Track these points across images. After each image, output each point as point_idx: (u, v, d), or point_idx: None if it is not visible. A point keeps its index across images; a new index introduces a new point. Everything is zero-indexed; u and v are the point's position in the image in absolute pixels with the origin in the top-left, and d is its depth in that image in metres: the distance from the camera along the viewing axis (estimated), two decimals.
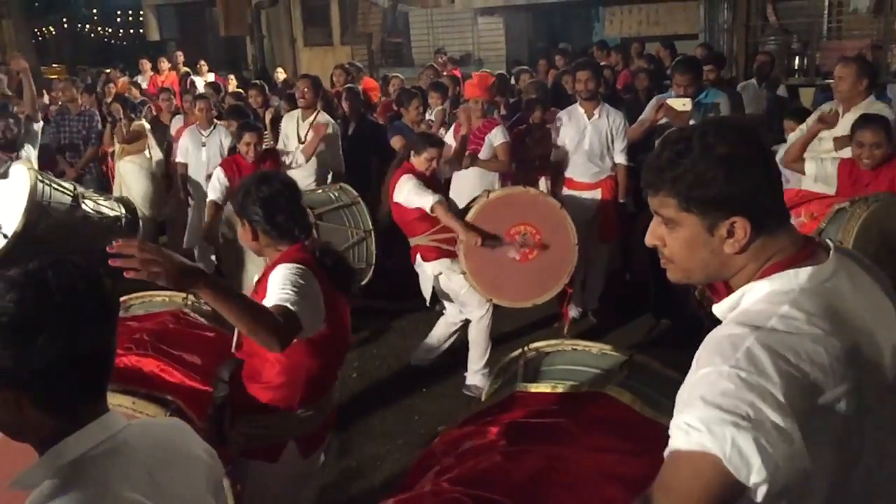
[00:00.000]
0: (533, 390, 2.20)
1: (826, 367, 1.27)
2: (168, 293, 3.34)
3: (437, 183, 5.11)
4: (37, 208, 5.25)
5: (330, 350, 2.66)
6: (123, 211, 5.94)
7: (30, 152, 6.33)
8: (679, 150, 1.38)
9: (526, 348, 2.57)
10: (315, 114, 6.56)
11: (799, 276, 1.37)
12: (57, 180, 5.73)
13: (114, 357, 1.48)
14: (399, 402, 4.88)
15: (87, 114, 7.90)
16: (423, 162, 4.88)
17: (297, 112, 6.69)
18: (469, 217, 4.82)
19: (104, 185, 7.69)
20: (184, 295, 3.31)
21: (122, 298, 3.28)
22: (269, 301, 2.30)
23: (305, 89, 6.62)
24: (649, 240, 1.48)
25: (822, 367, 1.27)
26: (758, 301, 1.38)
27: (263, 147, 5.77)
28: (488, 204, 4.86)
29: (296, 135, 6.50)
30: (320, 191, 5.52)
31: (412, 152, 4.96)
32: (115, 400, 2.37)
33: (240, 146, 5.62)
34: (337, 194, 5.42)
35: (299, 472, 2.72)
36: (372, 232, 5.26)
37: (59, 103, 8.66)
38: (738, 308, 1.41)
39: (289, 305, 2.25)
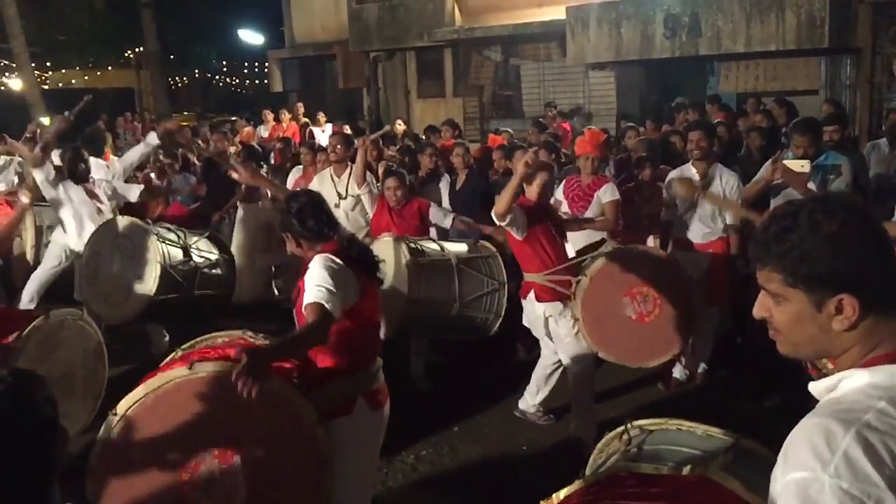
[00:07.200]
0: (635, 471, 2.17)
1: None
2: (227, 332, 3.77)
3: (547, 212, 5.03)
4: (165, 273, 5.67)
5: (362, 318, 3.21)
6: (219, 252, 6.25)
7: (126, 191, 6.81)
8: (786, 226, 1.38)
9: (629, 425, 2.53)
10: (348, 169, 6.60)
11: None
12: (165, 233, 5.99)
13: (53, 475, 1.50)
14: (500, 459, 4.83)
15: None
16: (536, 189, 4.87)
17: (328, 170, 6.74)
18: (597, 265, 4.83)
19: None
20: (240, 333, 3.73)
21: (187, 345, 3.68)
22: (307, 296, 2.94)
23: (338, 145, 6.70)
24: (757, 311, 1.48)
25: None
26: (855, 391, 1.34)
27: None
28: (620, 253, 4.92)
29: (334, 192, 6.48)
30: (465, 245, 5.69)
31: (524, 184, 4.90)
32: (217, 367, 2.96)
33: (385, 191, 5.86)
34: (478, 247, 5.63)
35: (370, 424, 3.29)
36: (505, 285, 5.37)
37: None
38: (833, 392, 1.38)
39: (322, 302, 2.89)
